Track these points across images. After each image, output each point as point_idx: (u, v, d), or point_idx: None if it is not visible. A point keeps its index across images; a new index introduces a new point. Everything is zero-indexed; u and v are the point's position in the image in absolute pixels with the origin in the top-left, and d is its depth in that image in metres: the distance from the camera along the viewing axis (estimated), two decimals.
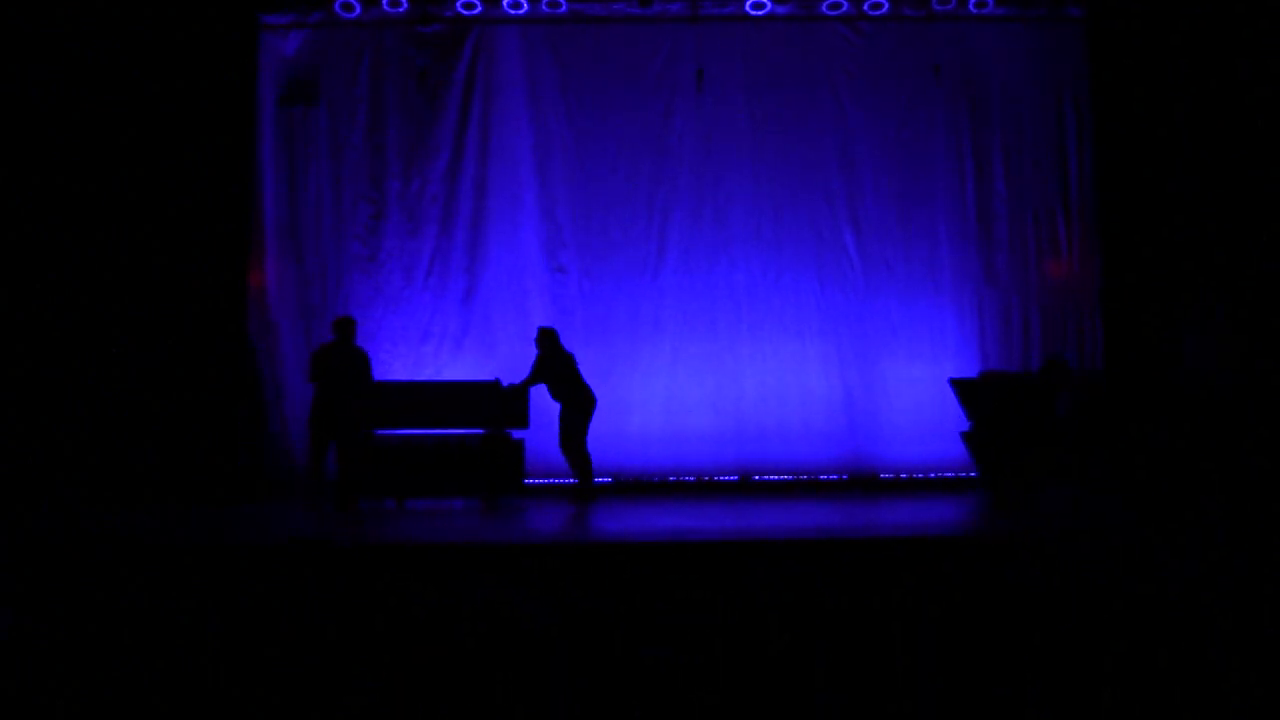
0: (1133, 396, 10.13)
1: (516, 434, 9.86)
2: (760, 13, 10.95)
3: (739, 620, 5.62)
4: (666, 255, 11.02)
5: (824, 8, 10.98)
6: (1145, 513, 7.84)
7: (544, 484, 10.64)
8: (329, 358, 9.34)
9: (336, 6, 10.80)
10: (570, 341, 10.87)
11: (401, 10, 10.86)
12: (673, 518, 8.39)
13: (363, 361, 9.47)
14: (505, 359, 10.76)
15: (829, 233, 11.03)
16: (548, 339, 9.71)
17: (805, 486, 10.68)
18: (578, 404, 9.65)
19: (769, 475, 10.81)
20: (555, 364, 9.65)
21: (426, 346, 10.87)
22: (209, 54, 10.32)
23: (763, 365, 10.90)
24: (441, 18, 11.01)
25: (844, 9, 10.97)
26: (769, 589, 6.06)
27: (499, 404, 9.68)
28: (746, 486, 10.75)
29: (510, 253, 11.00)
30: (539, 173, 11.03)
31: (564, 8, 10.90)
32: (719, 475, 10.83)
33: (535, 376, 9.69)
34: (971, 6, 10.89)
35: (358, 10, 10.82)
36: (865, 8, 10.95)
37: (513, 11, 10.91)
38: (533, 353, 9.72)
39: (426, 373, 10.68)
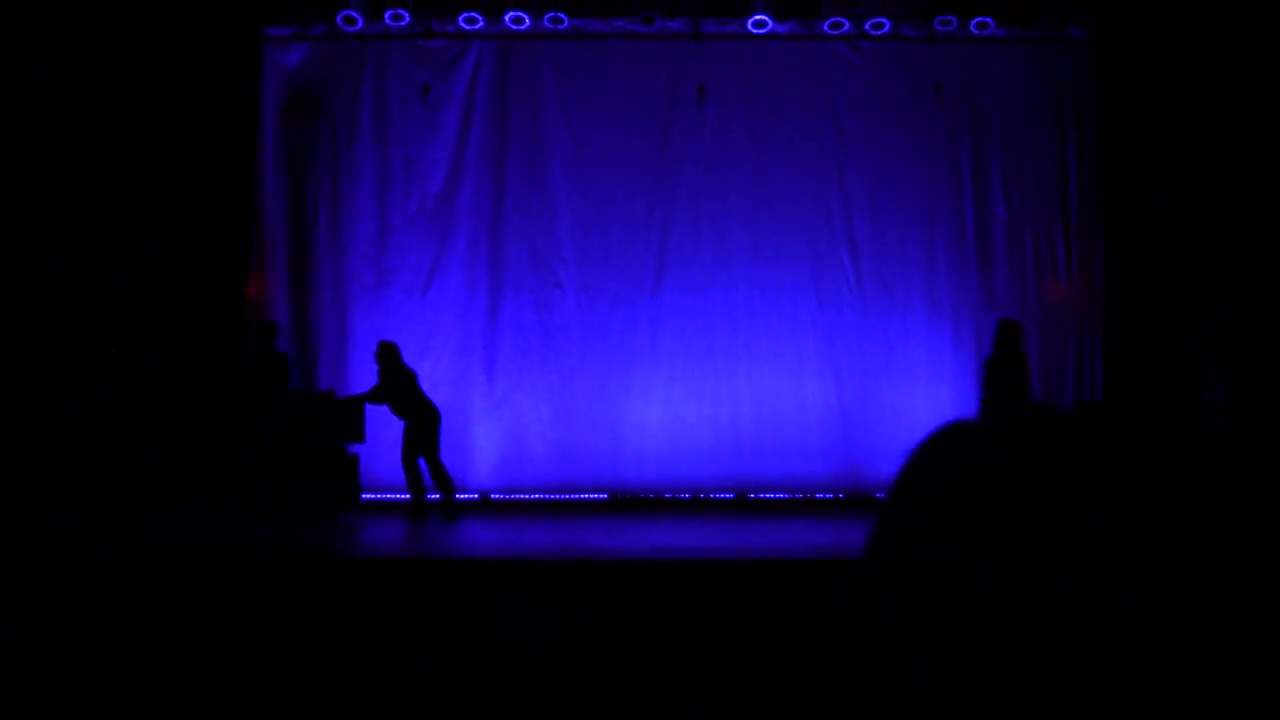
0: (1133, 417, 10.11)
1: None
2: (762, 31, 10.95)
3: (732, 638, 5.59)
4: (665, 272, 10.98)
5: (825, 26, 10.97)
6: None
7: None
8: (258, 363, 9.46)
9: (339, 19, 10.78)
10: (567, 358, 10.84)
11: (404, 24, 10.85)
12: (668, 535, 8.36)
13: (281, 366, 9.51)
14: (503, 373, 10.76)
15: (828, 252, 11.00)
16: (388, 354, 9.50)
17: (801, 505, 10.64)
18: (421, 420, 9.43)
19: (765, 493, 10.76)
20: (396, 380, 9.44)
21: (425, 359, 10.82)
22: (213, 65, 10.35)
23: (760, 383, 10.86)
24: (444, 33, 11.02)
25: (845, 28, 10.95)
26: (764, 608, 6.03)
27: (334, 417, 9.55)
28: (743, 504, 10.70)
29: (509, 268, 10.96)
30: (539, 188, 11.00)
31: (566, 24, 10.90)
32: (715, 493, 10.79)
33: (375, 393, 9.49)
34: (973, 27, 10.88)
35: (360, 23, 10.81)
36: (866, 27, 10.94)
37: (515, 27, 10.91)
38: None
39: (423, 386, 10.64)
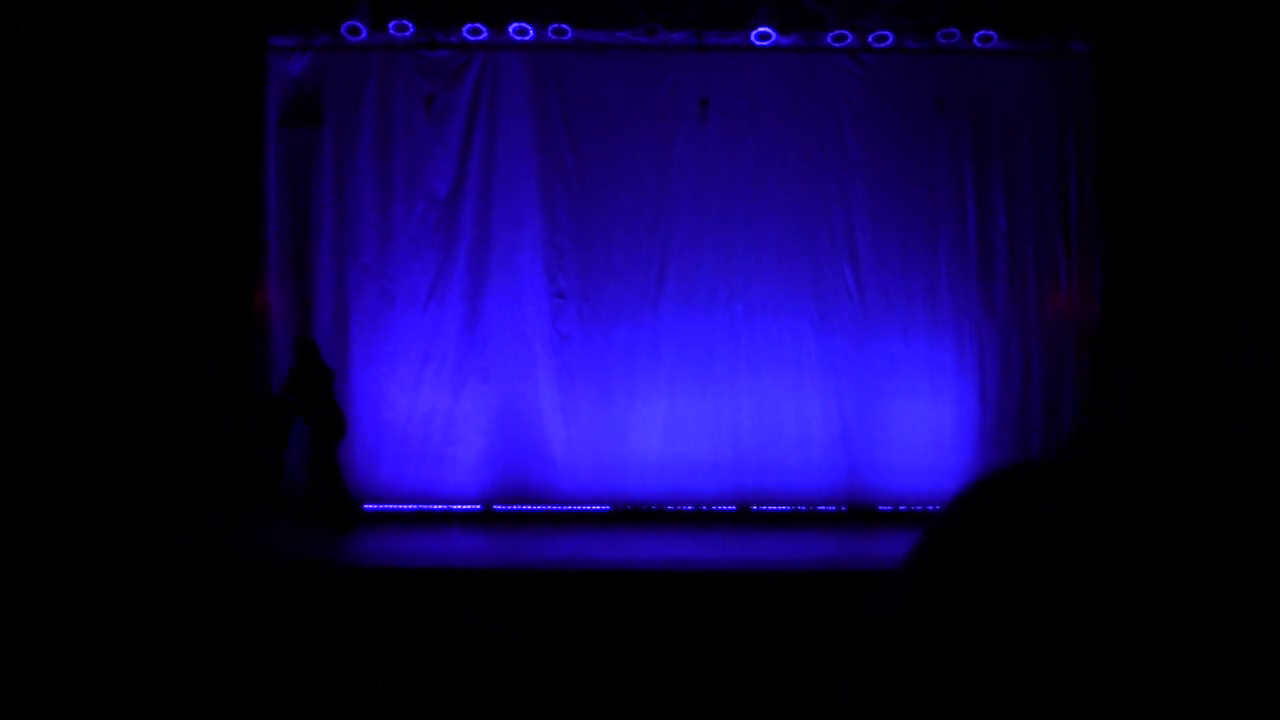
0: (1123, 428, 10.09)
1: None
2: (765, 43, 10.96)
3: (735, 649, 5.57)
4: (667, 283, 10.97)
5: (829, 39, 10.97)
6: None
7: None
8: None
9: (343, 30, 10.79)
10: (568, 369, 10.82)
11: (408, 35, 10.87)
12: (671, 547, 8.35)
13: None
14: (505, 383, 10.74)
15: (829, 264, 10.98)
16: (306, 349, 9.31)
17: (803, 518, 10.61)
18: (326, 424, 9.22)
19: (767, 505, 10.74)
20: (311, 378, 9.24)
21: (426, 370, 10.82)
22: (216, 74, 10.36)
23: (761, 394, 10.84)
24: (448, 44, 11.03)
25: (849, 41, 10.96)
26: (765, 620, 6.00)
27: (258, 422, 9.45)
28: (745, 516, 10.68)
29: (511, 278, 10.95)
30: (542, 199, 11.00)
31: (569, 35, 10.91)
32: (717, 505, 10.76)
33: (286, 386, 9.28)
34: (976, 40, 10.87)
35: (364, 34, 10.82)
36: (870, 40, 10.94)
37: (518, 38, 10.92)
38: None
39: (425, 397, 10.63)
